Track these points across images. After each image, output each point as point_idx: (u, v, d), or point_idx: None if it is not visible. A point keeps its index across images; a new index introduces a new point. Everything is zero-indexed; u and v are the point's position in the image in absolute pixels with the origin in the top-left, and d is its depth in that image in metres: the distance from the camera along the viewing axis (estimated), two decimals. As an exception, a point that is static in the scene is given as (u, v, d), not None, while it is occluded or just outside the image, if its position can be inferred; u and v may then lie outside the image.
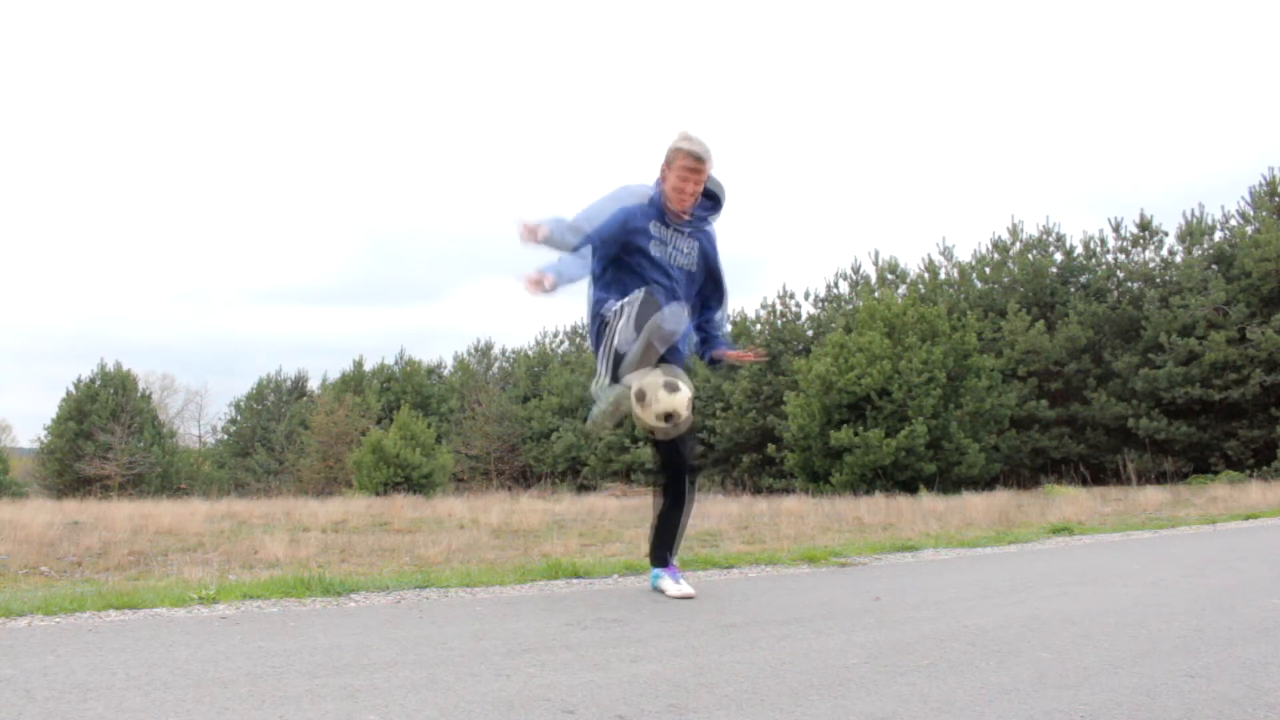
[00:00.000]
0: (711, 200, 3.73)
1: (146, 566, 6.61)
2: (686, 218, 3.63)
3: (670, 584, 3.66)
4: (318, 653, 2.56)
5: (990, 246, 26.35)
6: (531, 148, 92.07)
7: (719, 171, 3.67)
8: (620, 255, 3.59)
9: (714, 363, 3.85)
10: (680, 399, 3.23)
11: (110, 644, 2.64)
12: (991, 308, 24.76)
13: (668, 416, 3.23)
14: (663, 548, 3.75)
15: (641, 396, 3.27)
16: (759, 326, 28.68)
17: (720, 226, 3.80)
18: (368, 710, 2.01)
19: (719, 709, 2.07)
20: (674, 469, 3.68)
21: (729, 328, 3.87)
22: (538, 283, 3.33)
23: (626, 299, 3.36)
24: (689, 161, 3.48)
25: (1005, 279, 25.33)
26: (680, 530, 3.75)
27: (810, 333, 28.51)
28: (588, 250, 3.60)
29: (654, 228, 3.60)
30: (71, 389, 35.75)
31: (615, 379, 3.39)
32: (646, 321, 3.22)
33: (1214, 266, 22.22)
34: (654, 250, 3.59)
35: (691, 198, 3.55)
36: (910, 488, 18.41)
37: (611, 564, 4.66)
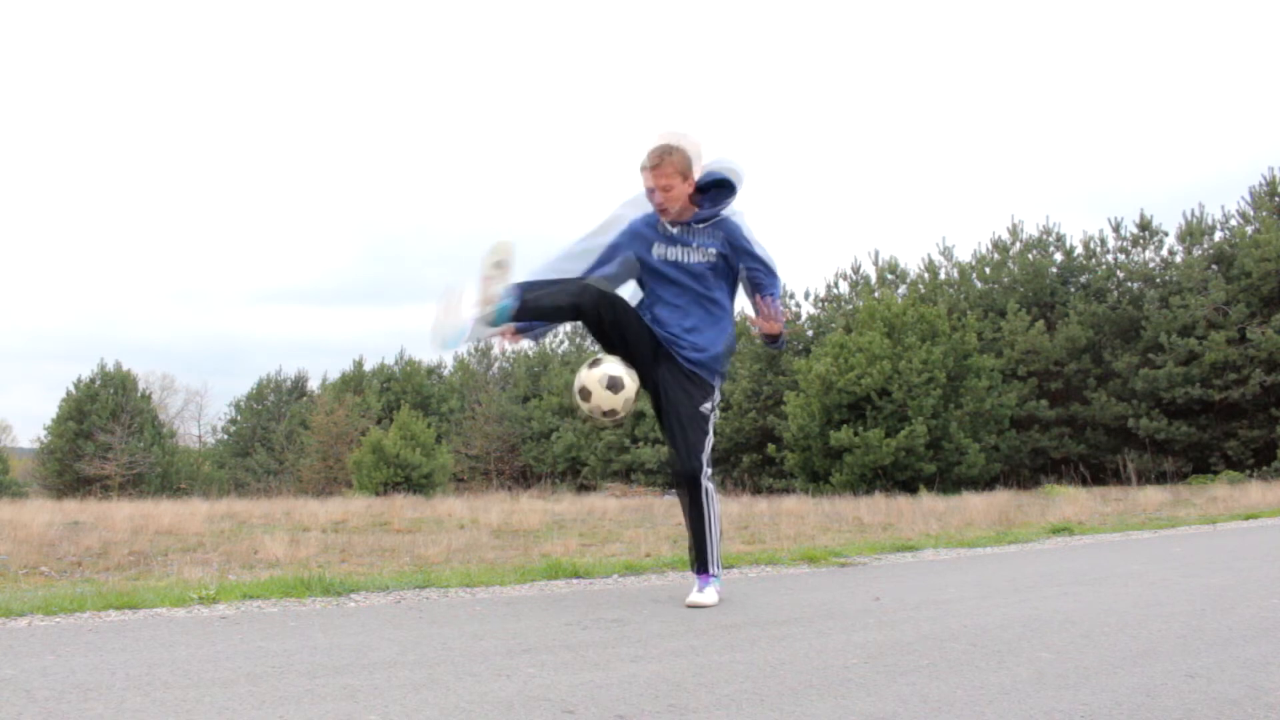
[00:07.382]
0: (719, 187, 3.60)
1: (146, 566, 6.60)
2: (687, 217, 3.55)
3: (694, 592, 3.48)
4: (318, 653, 2.56)
5: (990, 246, 26.30)
6: (531, 148, 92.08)
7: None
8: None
9: (770, 340, 3.74)
10: (593, 376, 3.45)
11: (110, 644, 2.64)
12: (991, 308, 24.73)
13: (585, 391, 3.45)
14: (693, 554, 3.56)
15: (582, 392, 3.49)
16: (759, 326, 28.58)
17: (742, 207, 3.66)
18: (368, 710, 2.01)
19: (719, 709, 2.07)
20: (673, 470, 3.54)
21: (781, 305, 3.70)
22: (499, 335, 3.62)
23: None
24: (644, 169, 3.52)
25: (1005, 279, 25.29)
26: (702, 536, 3.49)
27: (810, 333, 28.48)
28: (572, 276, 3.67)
29: (656, 231, 3.59)
30: (71, 389, 35.70)
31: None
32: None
33: (1214, 266, 22.19)
34: (654, 252, 3.60)
35: (667, 198, 3.49)
36: (910, 488, 18.41)
37: (611, 564, 4.67)
